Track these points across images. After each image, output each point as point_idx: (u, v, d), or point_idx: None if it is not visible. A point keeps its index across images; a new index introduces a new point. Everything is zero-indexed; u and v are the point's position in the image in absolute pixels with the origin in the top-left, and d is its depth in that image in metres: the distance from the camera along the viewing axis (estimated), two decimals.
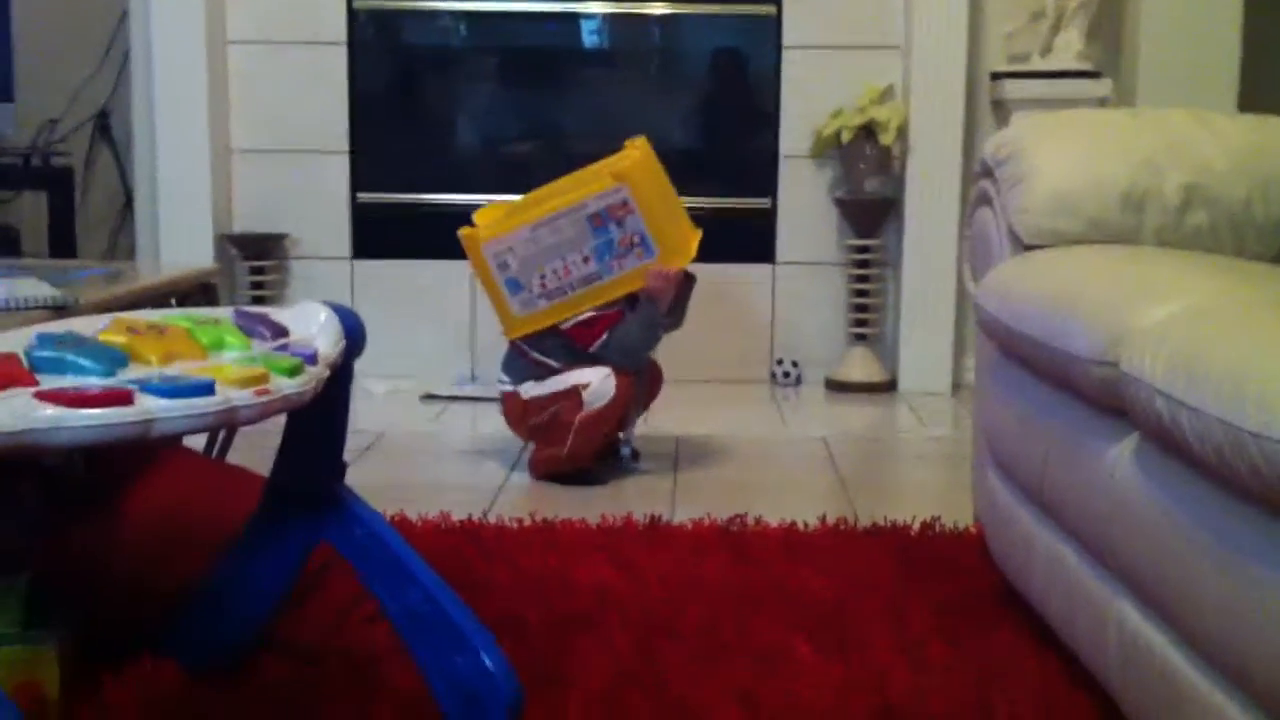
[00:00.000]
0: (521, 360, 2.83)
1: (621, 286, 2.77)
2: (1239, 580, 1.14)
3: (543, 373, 2.80)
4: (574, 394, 2.74)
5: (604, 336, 2.78)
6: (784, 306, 3.89)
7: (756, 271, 3.89)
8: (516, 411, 2.84)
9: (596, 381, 2.73)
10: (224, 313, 1.39)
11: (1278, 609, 1.07)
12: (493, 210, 2.88)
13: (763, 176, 3.88)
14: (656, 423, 3.23)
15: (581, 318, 2.78)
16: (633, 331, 2.79)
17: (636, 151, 2.78)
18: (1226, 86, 3.59)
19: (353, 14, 3.84)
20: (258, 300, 3.78)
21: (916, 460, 3.04)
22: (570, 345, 2.79)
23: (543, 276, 2.75)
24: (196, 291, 2.25)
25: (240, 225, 3.89)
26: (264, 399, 1.15)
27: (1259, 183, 1.92)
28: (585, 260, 2.73)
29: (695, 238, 2.84)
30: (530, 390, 2.80)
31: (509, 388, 2.85)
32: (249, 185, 3.89)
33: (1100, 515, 1.45)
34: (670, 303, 2.81)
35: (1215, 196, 1.91)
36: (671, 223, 2.80)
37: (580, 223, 2.71)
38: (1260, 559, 1.11)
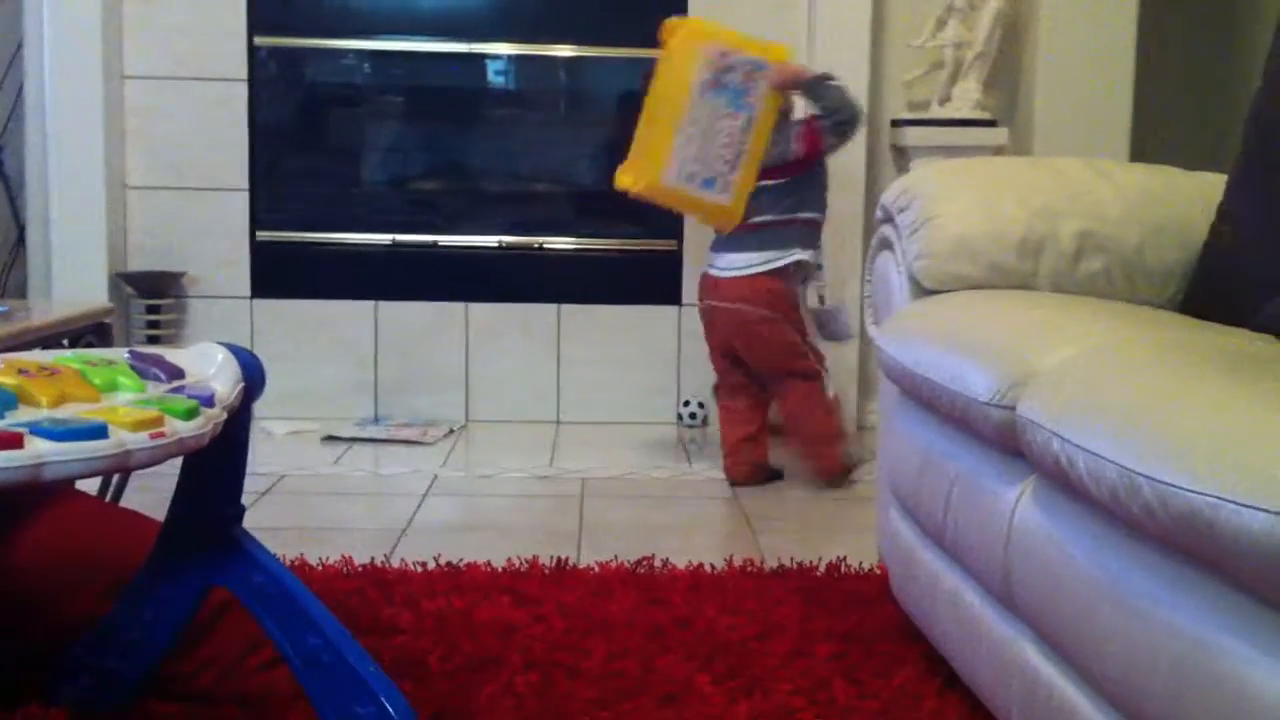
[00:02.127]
0: (751, 235, 3.10)
1: (770, 110, 3.08)
2: (1134, 619, 1.16)
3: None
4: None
5: (814, 123, 3.10)
6: (690, 347, 3.90)
7: (662, 312, 3.90)
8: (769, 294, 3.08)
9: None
10: (118, 354, 1.36)
11: (1173, 648, 1.09)
12: (632, 165, 3.12)
13: (668, 218, 3.89)
14: (562, 463, 3.22)
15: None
16: (825, 92, 3.09)
17: (676, 26, 3.11)
18: (1119, 136, 3.70)
19: (253, 50, 3.79)
20: (154, 340, 3.70)
21: (822, 501, 3.06)
22: (785, 172, 3.11)
23: (721, 157, 3.04)
24: (90, 331, 2.20)
25: (136, 263, 3.81)
26: (159, 442, 1.12)
27: (1151, 230, 1.97)
28: (732, 117, 3.03)
29: (778, 47, 3.15)
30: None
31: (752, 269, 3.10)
32: (145, 222, 3.81)
33: (1001, 556, 1.47)
34: (809, 78, 3.11)
35: (1109, 243, 1.96)
36: (753, 42, 3.13)
37: (704, 98, 3.03)
38: (1155, 600, 1.13)
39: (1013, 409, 1.44)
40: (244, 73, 3.78)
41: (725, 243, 3.18)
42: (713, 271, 3.20)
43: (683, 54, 3.05)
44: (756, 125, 3.07)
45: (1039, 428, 1.33)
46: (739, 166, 3.06)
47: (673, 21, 3.15)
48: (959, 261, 1.93)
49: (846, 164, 3.75)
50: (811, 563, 2.39)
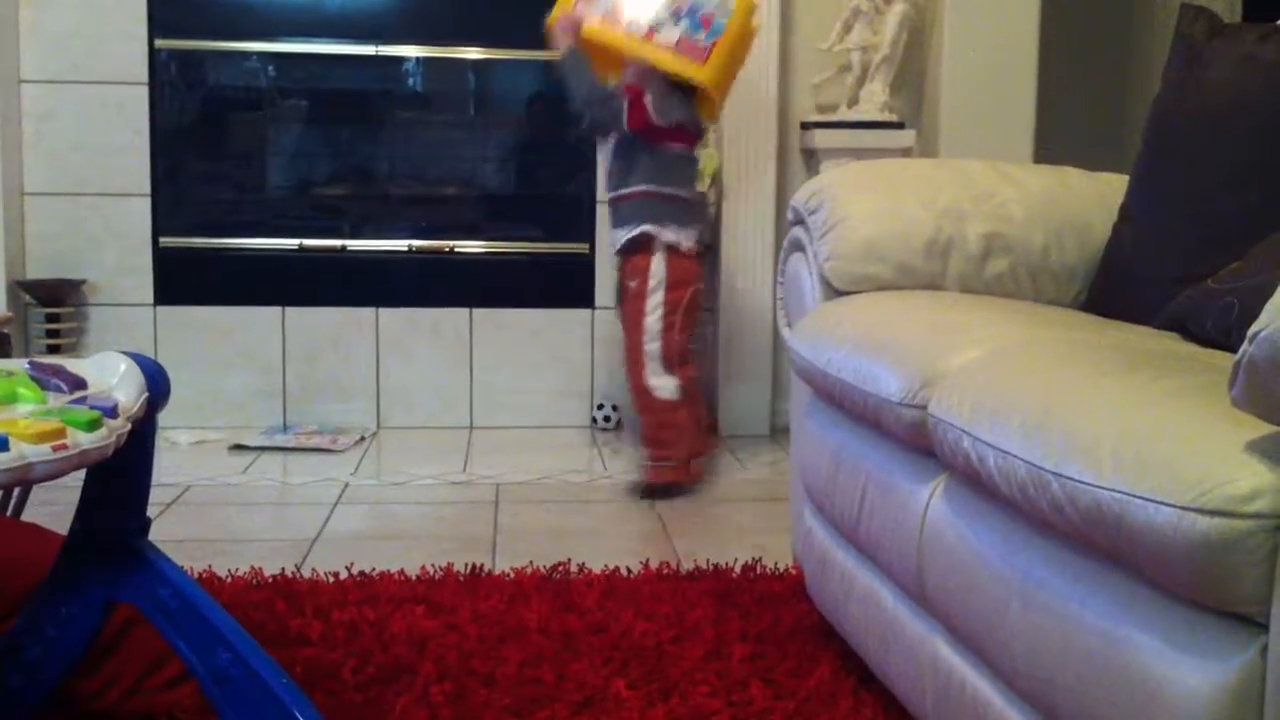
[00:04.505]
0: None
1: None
2: (1044, 614, 1.18)
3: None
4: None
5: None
6: (603, 351, 3.90)
7: (575, 316, 3.89)
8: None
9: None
10: (17, 364, 1.33)
11: (1083, 643, 1.11)
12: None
13: (580, 221, 3.90)
14: (476, 469, 3.20)
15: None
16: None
17: None
18: (1023, 138, 3.77)
19: (154, 53, 3.72)
20: (54, 350, 3.61)
21: (737, 503, 3.07)
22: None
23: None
24: None
25: (35, 271, 3.71)
26: (61, 455, 1.09)
27: (1054, 231, 2.01)
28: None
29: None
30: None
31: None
32: (44, 229, 3.72)
33: (913, 554, 1.49)
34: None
35: (1014, 244, 1.99)
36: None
37: None
38: (1063, 594, 1.15)
39: (924, 408, 1.45)
40: (145, 76, 3.70)
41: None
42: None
43: None
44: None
45: (950, 426, 1.35)
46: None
47: None
48: (869, 263, 1.95)
49: (756, 166, 3.78)
50: (727, 564, 2.40)
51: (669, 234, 3.03)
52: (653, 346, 3.02)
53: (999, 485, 1.23)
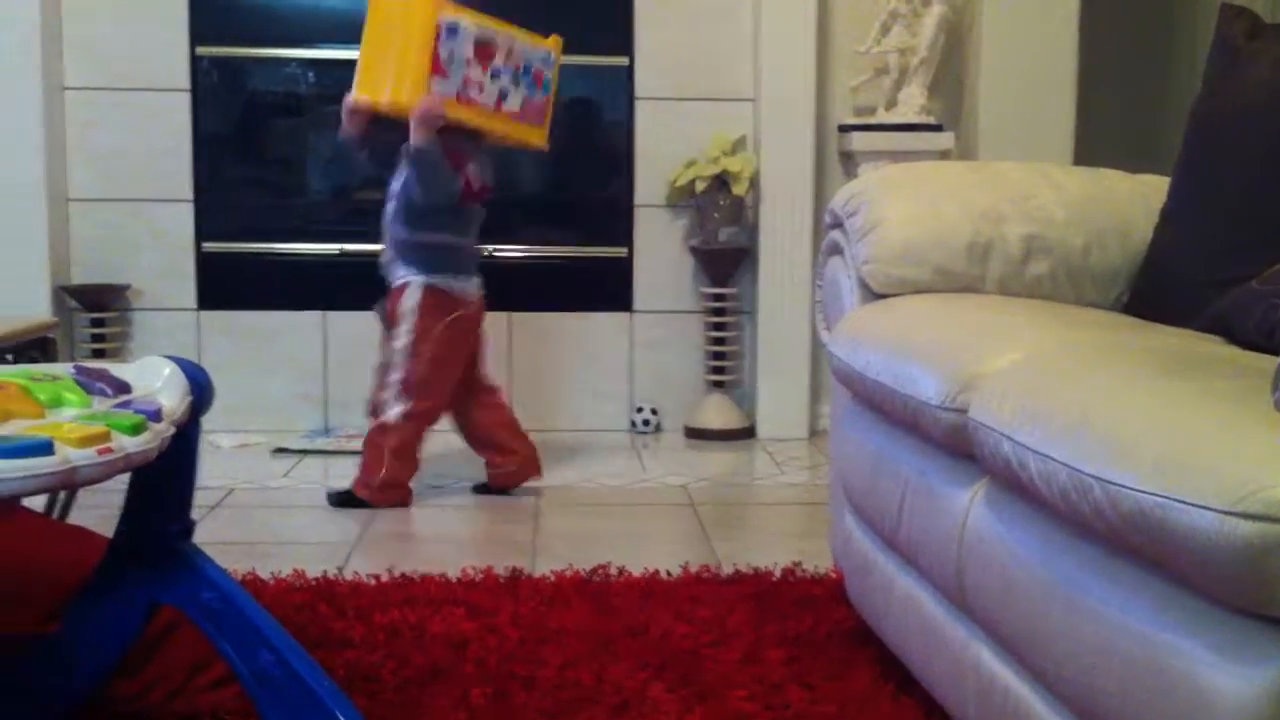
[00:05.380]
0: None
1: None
2: (1085, 619, 1.17)
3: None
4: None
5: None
6: (642, 355, 3.91)
7: (614, 319, 3.90)
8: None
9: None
10: (63, 369, 1.34)
11: (1125, 648, 1.10)
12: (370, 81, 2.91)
13: (618, 225, 3.90)
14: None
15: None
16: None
17: None
18: (1063, 139, 3.74)
19: (195, 60, 3.76)
20: (99, 354, 3.66)
21: (776, 506, 3.07)
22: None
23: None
24: (33, 346, 2.17)
25: (79, 276, 3.76)
26: (106, 458, 1.11)
27: (1095, 233, 2.00)
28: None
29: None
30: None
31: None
32: (88, 234, 3.77)
33: (954, 558, 1.48)
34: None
35: (1055, 246, 1.98)
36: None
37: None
38: (1105, 599, 1.14)
39: (964, 412, 1.44)
40: (186, 83, 3.75)
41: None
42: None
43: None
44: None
45: (990, 430, 1.34)
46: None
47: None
48: (907, 265, 1.94)
49: (793, 169, 3.77)
50: (766, 568, 2.39)
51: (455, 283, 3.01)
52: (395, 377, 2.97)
53: (1040, 489, 1.22)
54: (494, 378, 3.19)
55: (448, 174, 2.91)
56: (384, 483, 2.95)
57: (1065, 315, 1.73)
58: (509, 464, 3.08)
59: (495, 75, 2.89)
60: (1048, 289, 1.97)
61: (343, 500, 2.97)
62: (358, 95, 2.88)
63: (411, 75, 2.79)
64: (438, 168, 2.88)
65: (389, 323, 3.00)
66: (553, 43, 3.03)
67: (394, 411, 2.96)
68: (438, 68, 2.80)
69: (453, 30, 2.81)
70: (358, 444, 3.53)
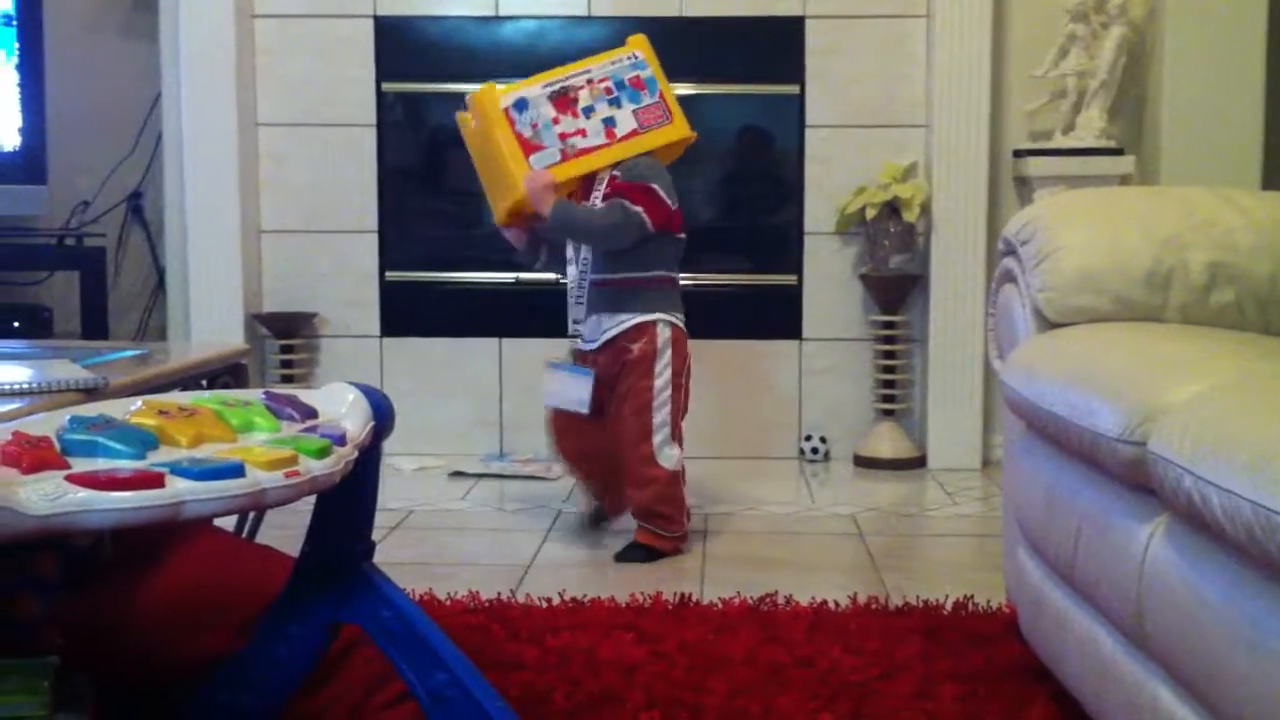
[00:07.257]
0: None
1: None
2: (1273, 664, 1.12)
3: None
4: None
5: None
6: (811, 382, 3.89)
7: (783, 347, 3.90)
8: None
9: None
10: (254, 394, 1.40)
11: None
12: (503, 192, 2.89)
13: (788, 252, 3.90)
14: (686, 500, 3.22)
15: None
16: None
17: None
18: (1250, 164, 3.60)
19: (381, 96, 3.90)
20: (287, 379, 3.81)
21: (947, 538, 3.02)
22: None
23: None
24: (226, 372, 2.27)
25: (270, 305, 3.93)
26: (293, 481, 1.16)
27: None
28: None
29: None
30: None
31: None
32: (278, 265, 3.93)
33: (1133, 596, 1.44)
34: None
35: (1240, 274, 1.91)
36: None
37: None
38: None
39: (1143, 445, 1.41)
40: (372, 118, 3.89)
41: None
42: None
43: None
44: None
45: (1171, 464, 1.30)
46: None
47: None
48: (1084, 294, 1.90)
49: (967, 195, 3.71)
50: (937, 600, 2.35)
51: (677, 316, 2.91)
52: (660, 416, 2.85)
53: (1224, 526, 1.18)
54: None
55: (600, 215, 2.81)
56: (686, 531, 2.86)
57: (1251, 345, 1.67)
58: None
59: (589, 112, 2.86)
60: (1233, 318, 1.90)
61: (650, 556, 2.79)
62: (496, 217, 2.93)
63: (513, 170, 2.80)
64: (574, 224, 2.81)
65: (622, 366, 2.89)
66: (631, 44, 2.98)
67: (675, 454, 2.86)
68: (529, 146, 2.81)
69: (520, 105, 2.82)
70: (532, 468, 3.61)
